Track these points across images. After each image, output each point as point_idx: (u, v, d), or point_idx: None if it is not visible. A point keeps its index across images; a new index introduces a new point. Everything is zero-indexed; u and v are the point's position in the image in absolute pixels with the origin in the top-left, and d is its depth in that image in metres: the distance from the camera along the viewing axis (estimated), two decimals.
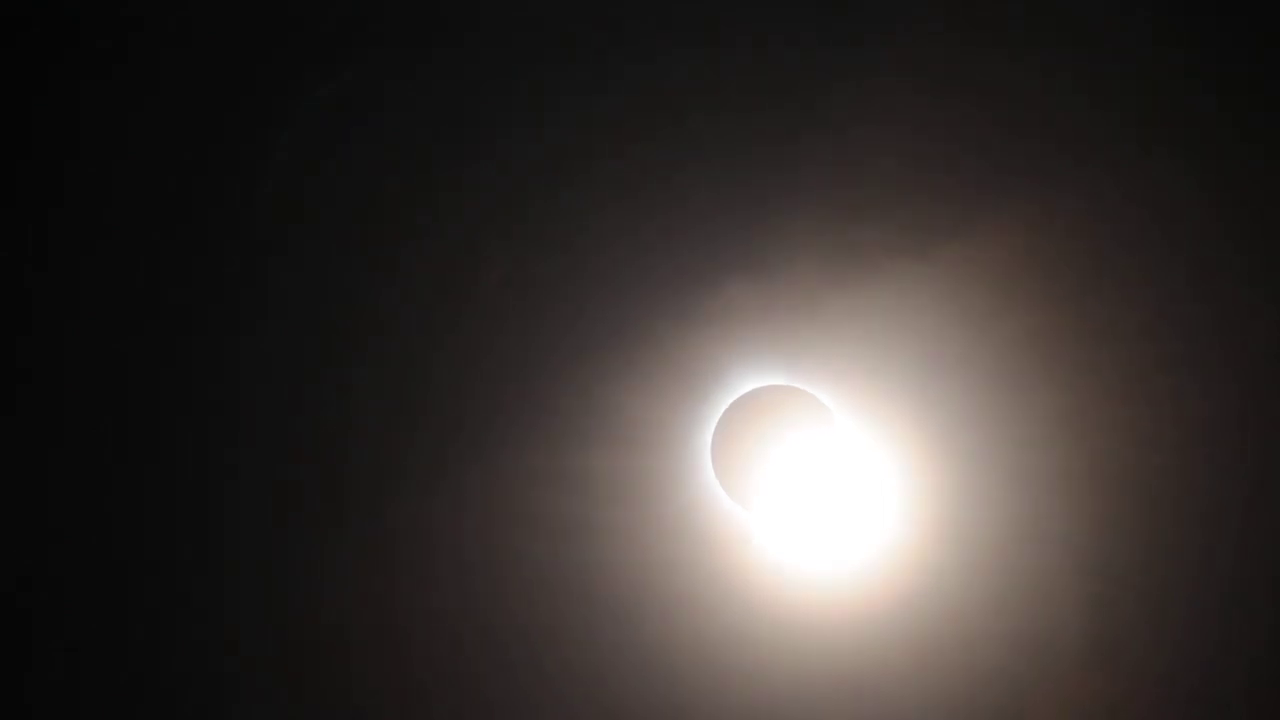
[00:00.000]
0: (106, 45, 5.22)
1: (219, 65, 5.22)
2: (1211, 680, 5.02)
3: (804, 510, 5.16)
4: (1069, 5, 5.17)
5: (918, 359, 5.10)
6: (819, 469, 5.15)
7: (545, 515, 5.07)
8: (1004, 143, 5.10)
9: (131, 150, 5.20)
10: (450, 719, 5.07)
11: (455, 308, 5.17)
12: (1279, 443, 5.11)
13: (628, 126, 5.16)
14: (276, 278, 5.16)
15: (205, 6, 5.22)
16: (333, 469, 5.12)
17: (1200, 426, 5.09)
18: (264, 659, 5.04)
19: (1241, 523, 5.08)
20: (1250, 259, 5.14)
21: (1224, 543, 5.07)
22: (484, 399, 5.13)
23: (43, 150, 5.21)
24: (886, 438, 5.16)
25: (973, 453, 5.09)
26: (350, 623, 5.06)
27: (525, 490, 5.08)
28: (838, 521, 5.17)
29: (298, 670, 5.06)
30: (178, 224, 5.17)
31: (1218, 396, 5.11)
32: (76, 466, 5.10)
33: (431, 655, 5.07)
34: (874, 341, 5.09)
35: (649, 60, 5.16)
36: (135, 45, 5.23)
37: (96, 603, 5.06)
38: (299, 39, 5.22)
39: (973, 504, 5.08)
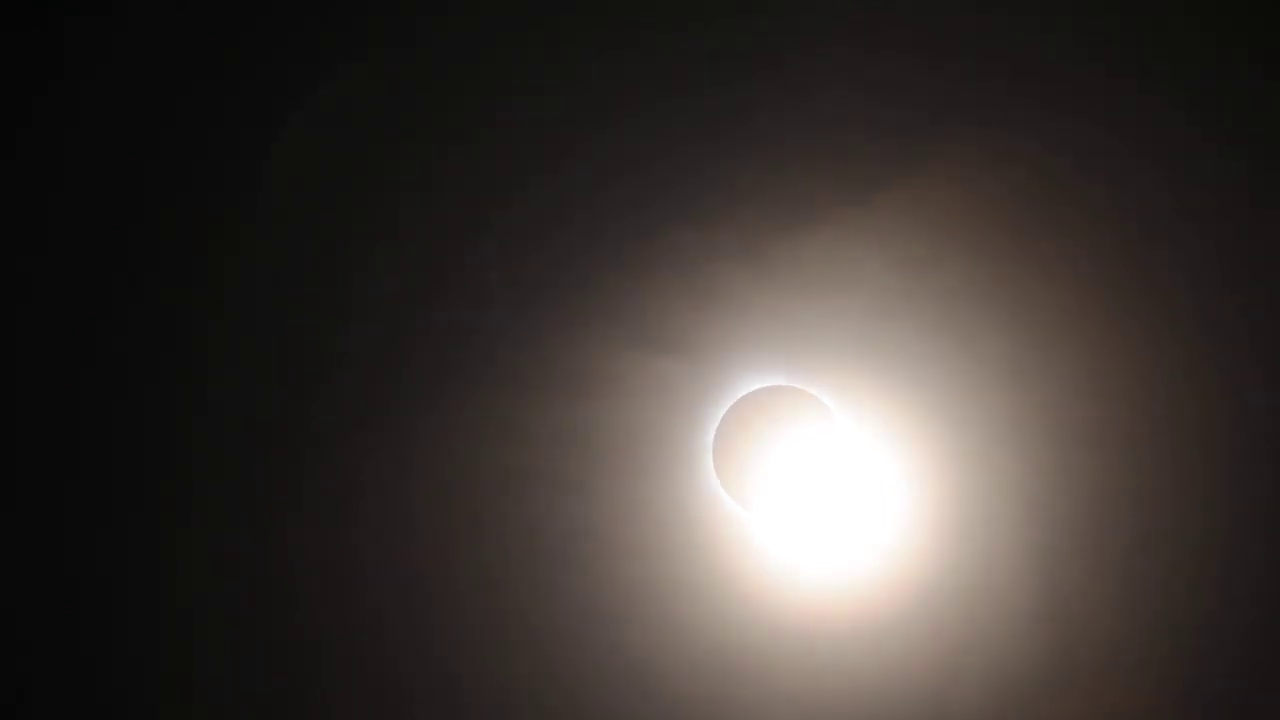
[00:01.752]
0: (99, 42, 5.31)
1: (219, 63, 5.31)
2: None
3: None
4: None
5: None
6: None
7: (501, 468, 5.02)
8: (947, 89, 5.07)
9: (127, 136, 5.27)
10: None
11: (435, 283, 5.17)
12: (1224, 389, 4.99)
13: (588, 95, 5.19)
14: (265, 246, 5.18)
15: (204, 6, 5.32)
16: (301, 420, 5.08)
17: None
18: (220, 608, 4.97)
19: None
20: (1197, 199, 5.05)
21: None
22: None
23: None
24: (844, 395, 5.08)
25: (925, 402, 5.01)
26: (308, 574, 4.99)
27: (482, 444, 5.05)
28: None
29: (251, 618, 4.98)
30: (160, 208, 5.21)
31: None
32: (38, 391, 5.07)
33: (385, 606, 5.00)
34: (825, 294, 5.04)
35: (608, 30, 5.21)
36: (130, 43, 5.32)
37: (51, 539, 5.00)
38: (298, 38, 5.31)
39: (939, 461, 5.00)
